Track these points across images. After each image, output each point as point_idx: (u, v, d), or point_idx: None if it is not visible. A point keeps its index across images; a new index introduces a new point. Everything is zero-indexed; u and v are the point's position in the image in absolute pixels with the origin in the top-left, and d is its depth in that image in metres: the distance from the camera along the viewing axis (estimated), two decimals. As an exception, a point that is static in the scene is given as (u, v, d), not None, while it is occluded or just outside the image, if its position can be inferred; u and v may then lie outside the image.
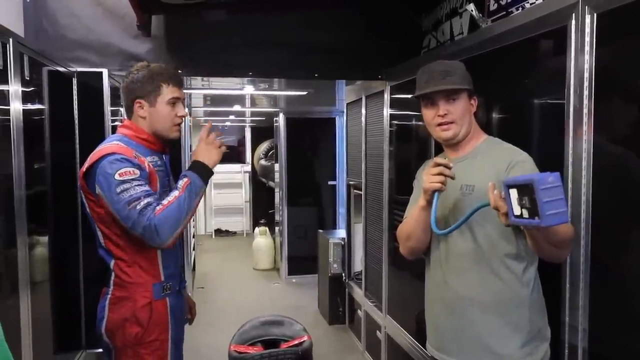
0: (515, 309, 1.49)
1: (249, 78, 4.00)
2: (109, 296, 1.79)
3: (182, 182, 1.71)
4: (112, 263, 1.78)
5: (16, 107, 1.91)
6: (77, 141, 2.71)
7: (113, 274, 1.78)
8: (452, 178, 1.47)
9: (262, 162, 8.00)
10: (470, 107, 1.63)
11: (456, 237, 1.54)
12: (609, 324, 1.42)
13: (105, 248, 1.78)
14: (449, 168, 1.46)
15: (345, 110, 4.33)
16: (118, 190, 1.63)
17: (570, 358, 1.53)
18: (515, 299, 1.49)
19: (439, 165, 1.46)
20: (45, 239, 2.33)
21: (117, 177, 1.64)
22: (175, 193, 1.68)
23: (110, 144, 1.73)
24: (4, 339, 0.76)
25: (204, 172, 1.76)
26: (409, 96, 2.87)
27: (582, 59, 1.46)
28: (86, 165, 1.72)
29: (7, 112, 1.86)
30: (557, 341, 1.56)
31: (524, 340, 1.49)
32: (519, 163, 1.48)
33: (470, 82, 1.63)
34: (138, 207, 1.61)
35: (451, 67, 1.64)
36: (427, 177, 1.49)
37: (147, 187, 1.67)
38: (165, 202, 1.65)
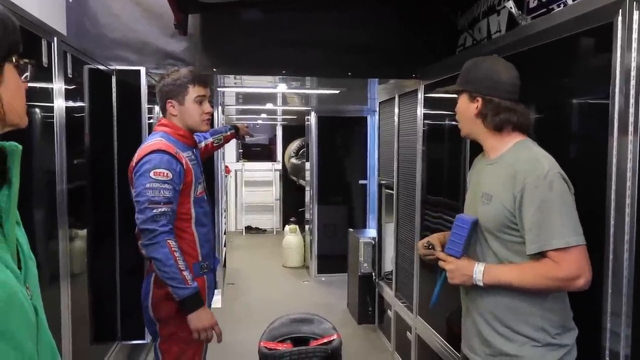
0: (523, 317, 1.52)
1: (282, 77, 4.01)
2: (153, 274, 1.97)
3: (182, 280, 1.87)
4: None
5: (59, 104, 1.97)
6: (115, 137, 2.78)
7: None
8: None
9: (293, 160, 8.03)
10: (470, 107, 1.60)
11: (472, 250, 1.63)
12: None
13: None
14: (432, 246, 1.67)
15: (377, 109, 4.30)
16: (147, 185, 1.85)
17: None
18: (522, 308, 1.52)
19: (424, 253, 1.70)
20: (84, 232, 2.40)
21: (152, 174, 1.87)
22: (175, 271, 1.85)
23: (155, 141, 1.95)
24: (47, 327, 0.78)
25: (188, 304, 1.89)
26: (444, 95, 2.83)
27: (629, 56, 1.40)
28: (135, 159, 1.94)
29: (51, 109, 1.92)
30: (598, 348, 1.51)
31: (532, 345, 1.50)
32: (529, 190, 1.45)
33: (472, 83, 1.60)
34: (155, 210, 1.84)
35: (465, 67, 1.66)
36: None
37: (170, 194, 1.88)
38: (173, 254, 1.85)
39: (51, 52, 1.89)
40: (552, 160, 1.50)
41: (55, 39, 1.91)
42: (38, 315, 0.76)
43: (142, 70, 2.89)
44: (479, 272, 1.52)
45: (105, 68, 2.70)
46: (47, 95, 1.90)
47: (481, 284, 1.53)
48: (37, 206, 1.83)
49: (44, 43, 1.82)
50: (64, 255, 1.99)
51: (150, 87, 3.07)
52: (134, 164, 1.93)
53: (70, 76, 2.10)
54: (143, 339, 2.90)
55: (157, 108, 3.30)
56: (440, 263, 1.62)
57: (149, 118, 2.97)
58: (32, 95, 1.82)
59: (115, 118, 2.79)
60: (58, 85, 1.95)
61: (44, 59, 1.83)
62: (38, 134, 1.86)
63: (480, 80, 1.59)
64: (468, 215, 1.60)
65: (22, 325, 0.70)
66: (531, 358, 1.50)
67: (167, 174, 1.86)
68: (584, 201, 1.48)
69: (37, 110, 1.83)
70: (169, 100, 2.03)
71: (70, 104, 2.16)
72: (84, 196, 2.41)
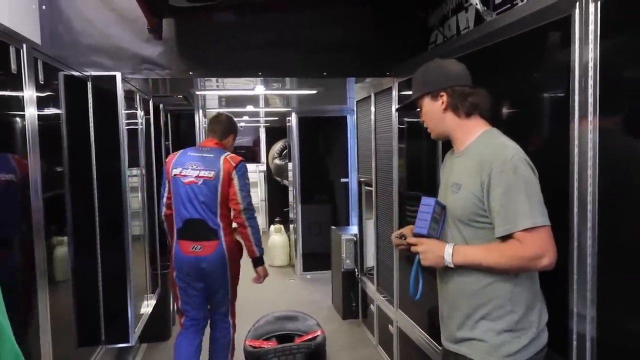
0: (488, 301, 1.55)
1: (260, 78, 3.99)
2: (222, 232, 2.96)
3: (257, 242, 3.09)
4: (219, 220, 2.96)
5: (31, 112, 1.92)
6: (93, 143, 2.74)
7: (221, 225, 2.97)
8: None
9: (277, 161, 8.01)
10: (436, 106, 1.66)
11: (445, 239, 1.64)
12: (617, 312, 1.39)
13: (217, 212, 2.96)
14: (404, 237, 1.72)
15: (355, 108, 4.31)
16: (247, 181, 3.04)
17: (579, 346, 1.49)
18: (491, 292, 1.54)
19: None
20: (64, 239, 2.36)
21: (246, 174, 3.05)
22: (259, 237, 3.11)
23: (234, 155, 3.05)
24: (10, 335, 0.77)
25: (260, 259, 3.16)
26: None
27: (586, 50, 1.42)
28: (233, 163, 2.97)
29: (23, 117, 1.88)
30: (565, 330, 1.52)
31: (499, 329, 1.52)
32: (495, 175, 1.48)
33: (430, 84, 1.67)
34: (249, 197, 3.02)
35: (414, 77, 1.75)
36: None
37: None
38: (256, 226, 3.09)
39: (20, 59, 1.85)
40: (516, 146, 1.54)
41: (24, 45, 1.87)
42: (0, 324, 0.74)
43: (118, 75, 2.85)
44: (448, 253, 1.56)
45: (81, 74, 2.66)
46: (18, 103, 1.86)
47: (452, 265, 1.55)
48: (10, 216, 1.80)
49: (12, 50, 1.78)
50: (40, 262, 1.95)
51: (127, 92, 3.03)
52: (233, 165, 2.96)
53: (42, 83, 2.06)
54: (127, 342, 2.86)
55: (138, 112, 3.26)
56: (412, 248, 1.64)
57: (127, 124, 2.93)
58: (1, 103, 1.79)
59: (92, 124, 2.74)
60: (29, 93, 1.91)
61: (13, 66, 1.79)
62: (9, 142, 1.82)
63: (436, 78, 1.66)
64: (432, 198, 1.63)
65: None
66: (500, 343, 1.52)
67: (248, 175, 3.09)
68: (549, 190, 1.49)
69: (8, 118, 1.80)
70: (233, 134, 3.20)
71: (45, 111, 2.12)
72: (62, 203, 2.37)
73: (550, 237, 1.45)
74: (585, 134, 1.43)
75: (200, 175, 2.94)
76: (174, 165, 3.00)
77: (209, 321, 3.12)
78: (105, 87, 2.80)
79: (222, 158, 2.97)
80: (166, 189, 3.06)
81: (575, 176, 1.47)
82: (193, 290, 3.00)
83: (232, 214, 3.01)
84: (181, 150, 3.08)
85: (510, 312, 1.52)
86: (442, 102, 1.64)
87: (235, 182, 2.94)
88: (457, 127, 1.65)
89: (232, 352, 3.18)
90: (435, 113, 1.67)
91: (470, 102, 1.62)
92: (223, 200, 2.96)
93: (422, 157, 2.81)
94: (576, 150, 1.46)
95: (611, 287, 1.40)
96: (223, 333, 3.12)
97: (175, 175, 2.98)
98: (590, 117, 1.41)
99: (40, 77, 2.04)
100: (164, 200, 3.08)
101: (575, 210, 1.47)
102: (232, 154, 3.03)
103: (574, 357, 1.50)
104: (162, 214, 3.13)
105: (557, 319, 1.55)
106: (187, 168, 2.95)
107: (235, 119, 3.24)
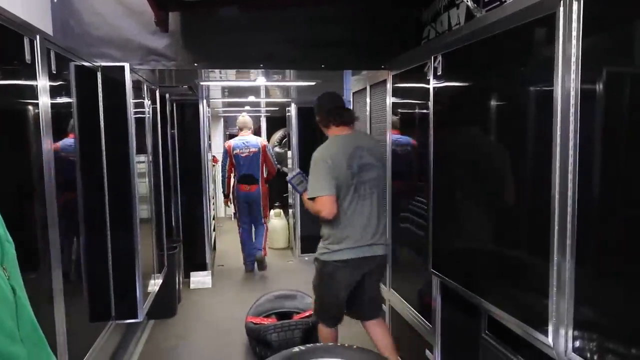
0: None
1: (261, 70, 3.99)
2: (260, 182, 5.63)
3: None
4: (259, 175, 5.62)
5: (44, 100, 1.93)
6: (103, 131, 2.74)
7: (259, 178, 5.61)
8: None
9: (277, 149, 8.00)
10: (318, 119, 2.93)
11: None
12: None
13: (258, 171, 5.61)
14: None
15: (351, 99, 4.31)
16: (272, 154, 5.86)
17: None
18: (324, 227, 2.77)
19: None
20: (76, 222, 2.38)
21: (272, 150, 5.91)
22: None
23: (264, 139, 6.50)
24: (28, 306, 0.79)
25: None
26: (410, 85, 2.85)
27: (569, 47, 1.43)
28: (266, 144, 5.81)
29: (37, 105, 1.88)
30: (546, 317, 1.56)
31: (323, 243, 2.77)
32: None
33: (316, 109, 2.97)
34: (277, 163, 5.90)
35: (315, 103, 3.02)
36: None
37: None
38: None
39: (34, 49, 1.85)
40: (325, 148, 2.72)
41: (37, 36, 1.87)
42: (16, 294, 0.76)
43: (127, 66, 2.84)
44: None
45: (91, 64, 2.65)
46: (32, 91, 1.86)
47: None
48: (26, 200, 1.81)
49: (26, 41, 1.78)
50: (54, 243, 1.97)
51: (135, 82, 3.03)
52: (266, 145, 5.76)
53: (55, 73, 2.06)
54: (136, 318, 2.90)
55: (145, 102, 3.26)
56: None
57: (135, 113, 2.94)
58: (17, 92, 1.79)
59: (102, 113, 2.75)
60: (42, 82, 1.91)
61: (27, 57, 1.79)
62: (24, 130, 1.83)
63: (317, 107, 2.93)
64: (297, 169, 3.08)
65: None
66: (321, 251, 2.76)
67: None
68: (534, 176, 1.52)
69: (22, 106, 1.81)
70: (253, 127, 5.68)
71: (57, 100, 2.12)
72: (74, 188, 2.39)
73: (328, 201, 2.59)
74: (567, 126, 1.44)
75: (250, 150, 5.61)
76: (233, 148, 5.64)
77: (252, 224, 5.79)
78: (114, 77, 2.80)
79: (259, 141, 5.76)
80: (227, 160, 5.67)
81: (557, 171, 1.48)
82: (245, 209, 5.70)
83: (266, 171, 5.72)
84: (234, 139, 5.77)
85: (327, 238, 2.72)
86: (317, 120, 2.93)
87: (269, 154, 5.72)
88: (325, 132, 2.93)
89: (266, 235, 5.90)
90: (319, 122, 2.96)
91: (324, 123, 2.93)
92: (262, 165, 5.65)
93: (415, 145, 2.82)
94: (558, 145, 1.48)
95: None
96: (260, 230, 5.76)
97: (236, 153, 5.60)
98: (572, 110, 1.43)
99: (53, 67, 2.04)
100: (227, 166, 5.70)
101: (557, 197, 1.49)
102: (263, 138, 5.85)
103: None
104: (225, 173, 5.79)
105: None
106: (242, 148, 5.62)
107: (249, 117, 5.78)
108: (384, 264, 2.86)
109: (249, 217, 5.69)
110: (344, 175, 2.61)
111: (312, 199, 2.62)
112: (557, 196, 1.49)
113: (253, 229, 5.77)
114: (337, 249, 2.65)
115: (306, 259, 6.09)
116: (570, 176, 1.44)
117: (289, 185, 3.10)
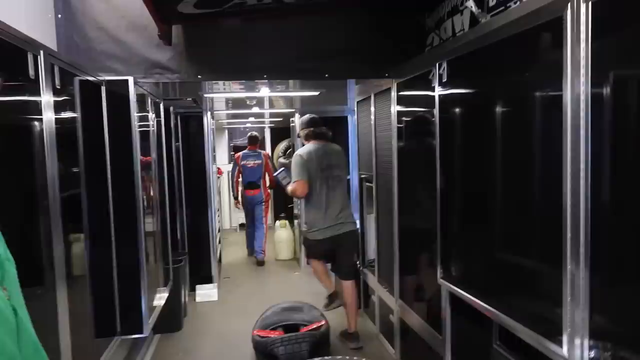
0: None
1: (265, 80, 3.99)
2: (262, 187, 6.73)
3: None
4: (261, 182, 6.75)
5: (48, 116, 1.92)
6: (107, 144, 2.74)
7: (261, 184, 6.77)
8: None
9: (281, 160, 8.00)
10: (302, 138, 3.99)
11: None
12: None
13: (261, 178, 6.78)
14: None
15: (355, 108, 4.30)
16: (274, 164, 7.22)
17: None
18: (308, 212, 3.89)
19: None
20: (80, 236, 2.36)
21: (272, 161, 6.91)
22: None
23: (266, 152, 7.15)
24: (29, 326, 0.76)
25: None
26: (415, 92, 2.83)
27: (578, 49, 1.40)
28: (268, 154, 7.18)
29: (41, 120, 1.87)
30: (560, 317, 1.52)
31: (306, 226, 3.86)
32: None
33: (299, 129, 4.00)
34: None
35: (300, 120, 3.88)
36: None
37: None
38: None
39: (38, 65, 1.84)
40: (302, 150, 3.84)
41: (41, 52, 1.86)
42: (17, 315, 0.74)
43: (130, 79, 2.83)
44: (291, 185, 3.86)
45: (95, 79, 2.65)
46: (36, 107, 1.85)
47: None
48: (30, 216, 1.80)
49: (29, 57, 1.78)
50: (59, 259, 1.95)
51: (139, 96, 3.03)
52: (269, 156, 7.12)
53: (59, 88, 2.06)
54: (142, 333, 2.87)
55: (149, 115, 3.26)
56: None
57: (140, 126, 2.93)
58: (21, 108, 1.78)
59: (106, 126, 2.74)
60: (46, 98, 1.90)
61: (31, 72, 1.78)
62: (28, 146, 1.82)
63: (300, 125, 3.94)
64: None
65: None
66: (306, 230, 3.89)
67: None
68: (544, 179, 1.48)
69: (26, 122, 1.80)
70: (259, 143, 6.92)
71: (62, 115, 2.11)
72: (79, 202, 2.37)
73: (300, 185, 3.72)
74: (578, 131, 1.41)
75: (255, 162, 6.72)
76: (242, 158, 6.78)
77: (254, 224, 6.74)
78: (118, 91, 2.80)
79: (262, 154, 6.87)
80: (236, 170, 6.84)
81: (569, 176, 1.45)
82: (250, 210, 6.72)
83: (267, 179, 6.73)
84: (242, 152, 6.89)
85: (307, 223, 3.78)
86: (299, 135, 3.96)
87: (270, 164, 6.84)
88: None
89: (265, 236, 6.70)
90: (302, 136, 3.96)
91: (305, 138, 3.95)
92: (264, 173, 6.74)
93: (420, 154, 2.80)
94: (569, 150, 1.45)
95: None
96: (260, 229, 6.61)
97: (243, 164, 6.72)
98: (582, 115, 1.40)
99: (57, 82, 2.03)
100: (235, 172, 6.89)
101: (569, 200, 1.46)
102: (265, 152, 7.21)
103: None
104: (234, 180, 7.01)
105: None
106: (249, 159, 6.74)
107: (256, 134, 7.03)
108: (353, 238, 3.92)
109: (251, 218, 6.84)
110: (314, 169, 3.72)
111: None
112: (569, 203, 1.45)
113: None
114: (313, 231, 3.83)
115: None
116: (582, 182, 1.41)
117: (275, 179, 4.27)
